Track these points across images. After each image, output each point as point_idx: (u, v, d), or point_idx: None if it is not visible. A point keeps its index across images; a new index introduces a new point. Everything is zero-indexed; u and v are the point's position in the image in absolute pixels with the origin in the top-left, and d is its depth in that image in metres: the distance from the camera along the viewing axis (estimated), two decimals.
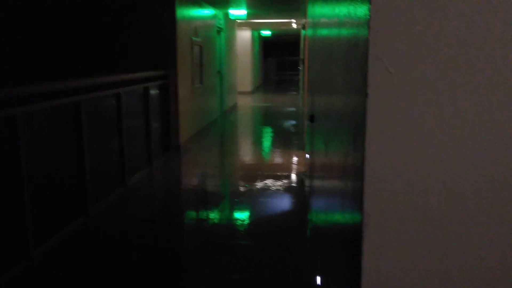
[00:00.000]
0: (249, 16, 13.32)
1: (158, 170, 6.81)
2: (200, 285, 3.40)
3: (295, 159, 7.44)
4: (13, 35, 6.77)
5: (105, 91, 5.23)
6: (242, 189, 5.83)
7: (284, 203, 5.29)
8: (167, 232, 4.50)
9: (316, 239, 3.23)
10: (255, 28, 19.58)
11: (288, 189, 5.76)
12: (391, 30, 0.97)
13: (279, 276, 3.49)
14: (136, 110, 6.30)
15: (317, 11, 3.26)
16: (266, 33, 23.00)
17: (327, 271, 2.10)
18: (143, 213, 5.13)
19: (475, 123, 0.98)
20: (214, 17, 11.23)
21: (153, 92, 6.99)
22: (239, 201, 5.38)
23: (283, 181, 6.06)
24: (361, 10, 1.07)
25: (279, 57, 32.71)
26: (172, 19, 7.59)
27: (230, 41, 14.38)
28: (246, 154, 8.07)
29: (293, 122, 11.50)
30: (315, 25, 3.54)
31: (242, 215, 4.91)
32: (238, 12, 12.06)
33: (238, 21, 15.37)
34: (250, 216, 4.82)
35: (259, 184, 5.89)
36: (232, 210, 5.16)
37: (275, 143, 9.12)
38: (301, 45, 11.82)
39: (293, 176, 6.38)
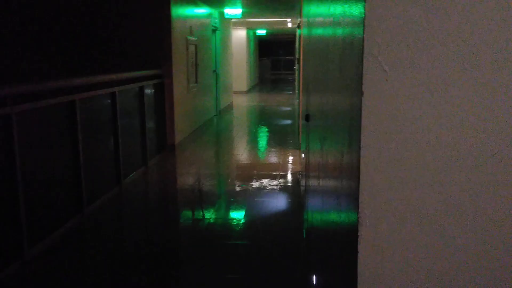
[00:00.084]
0: (244, 15, 13.32)
1: (154, 169, 6.79)
2: (196, 285, 3.40)
3: (290, 158, 7.44)
4: (8, 34, 6.74)
5: (100, 90, 5.21)
6: (237, 188, 5.83)
7: (279, 202, 5.29)
8: (162, 231, 4.49)
9: (311, 238, 3.23)
10: (251, 27, 19.58)
11: (284, 188, 5.76)
12: (386, 29, 0.97)
13: (275, 276, 3.49)
14: (131, 109, 6.29)
15: (312, 10, 3.26)
16: (262, 32, 23.01)
17: (323, 271, 2.10)
18: (139, 212, 5.12)
19: (471, 121, 0.98)
20: (209, 16, 11.22)
21: (149, 91, 6.97)
22: (235, 201, 5.38)
23: (279, 180, 6.06)
24: (356, 9, 1.06)
25: (274, 56, 32.73)
26: (167, 18, 7.57)
27: (225, 40, 14.36)
28: (241, 153, 8.07)
29: (289, 121, 11.51)
30: (311, 24, 3.53)
31: (237, 215, 4.91)
32: (234, 11, 12.05)
33: (233, 20, 15.35)
34: (246, 216, 4.82)
35: (254, 184, 5.89)
36: (227, 209, 5.16)
37: (271, 142, 9.12)
38: (297, 44, 11.83)
39: (289, 176, 6.38)
